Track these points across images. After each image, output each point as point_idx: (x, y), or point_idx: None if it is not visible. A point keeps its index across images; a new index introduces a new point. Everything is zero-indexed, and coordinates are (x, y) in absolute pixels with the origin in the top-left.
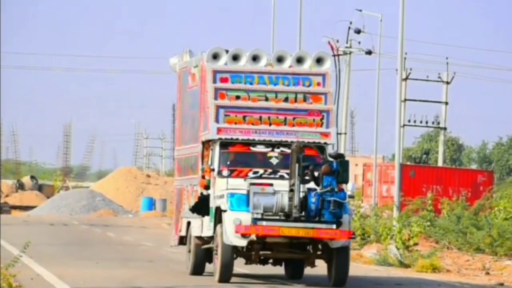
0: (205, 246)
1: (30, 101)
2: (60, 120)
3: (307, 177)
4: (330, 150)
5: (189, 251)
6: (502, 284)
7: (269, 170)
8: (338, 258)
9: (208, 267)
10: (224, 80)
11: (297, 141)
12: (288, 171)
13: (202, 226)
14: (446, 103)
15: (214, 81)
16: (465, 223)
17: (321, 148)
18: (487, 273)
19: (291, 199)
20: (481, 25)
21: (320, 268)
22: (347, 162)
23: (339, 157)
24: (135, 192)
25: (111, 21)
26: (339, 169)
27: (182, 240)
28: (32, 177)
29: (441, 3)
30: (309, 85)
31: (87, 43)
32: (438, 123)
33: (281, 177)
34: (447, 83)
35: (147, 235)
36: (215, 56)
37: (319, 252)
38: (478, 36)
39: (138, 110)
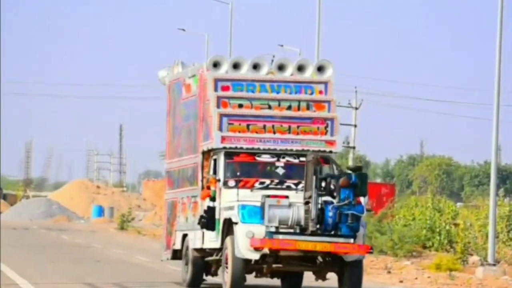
0: (209, 258)
1: None
2: (22, 138)
3: (323, 190)
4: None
5: (186, 264)
6: (401, 281)
7: (276, 181)
8: (352, 271)
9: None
10: (225, 88)
11: (314, 153)
12: (295, 181)
13: (203, 238)
14: (355, 126)
15: (216, 90)
16: (370, 229)
17: (326, 157)
18: (389, 272)
19: (307, 211)
20: (389, 57)
21: (319, 281)
22: (365, 175)
23: (358, 169)
24: (87, 201)
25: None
26: (358, 182)
27: (176, 254)
28: None
29: (353, 41)
30: (312, 93)
31: (39, 71)
32: (348, 143)
33: (288, 188)
34: (356, 108)
35: (97, 238)
36: (216, 64)
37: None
38: (385, 67)
39: (90, 129)
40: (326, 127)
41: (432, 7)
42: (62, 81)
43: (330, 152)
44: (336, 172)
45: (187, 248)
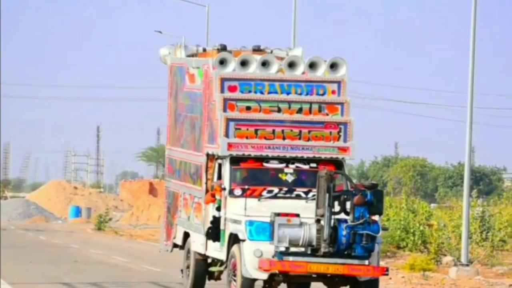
0: (212, 268)
1: None
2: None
3: (337, 208)
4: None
5: (188, 267)
6: None
7: (285, 189)
8: None
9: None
10: (232, 88)
11: (327, 170)
12: (305, 189)
13: (206, 245)
14: None
15: (222, 90)
16: None
17: (338, 163)
18: None
19: (319, 231)
20: (364, 59)
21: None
22: (381, 193)
23: (373, 187)
24: (64, 202)
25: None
26: (373, 200)
27: (176, 247)
28: None
29: (329, 42)
30: (324, 93)
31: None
32: None
33: (298, 196)
34: None
35: (74, 239)
36: (222, 62)
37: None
38: (359, 69)
39: (67, 131)
40: (339, 132)
41: (409, 7)
42: (39, 83)
43: (343, 159)
44: (349, 187)
45: (188, 251)
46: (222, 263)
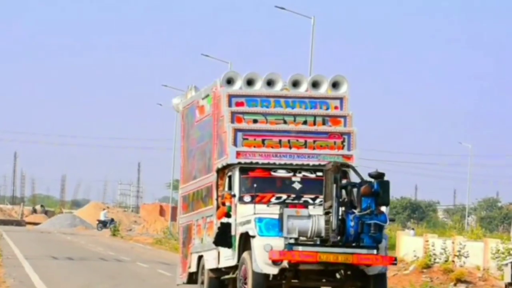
0: (225, 277)
1: None
2: (59, 172)
3: (344, 199)
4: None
5: (202, 283)
6: None
7: (292, 196)
8: (375, 285)
9: None
10: (239, 104)
11: (334, 161)
12: (312, 196)
13: (218, 257)
14: None
15: (230, 106)
16: None
17: (343, 172)
18: None
19: (328, 222)
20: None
21: None
22: (387, 183)
23: (380, 176)
24: (99, 217)
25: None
26: (380, 190)
27: (192, 277)
28: (42, 206)
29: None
30: (327, 109)
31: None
32: None
33: (305, 203)
34: None
35: (90, 240)
36: (229, 81)
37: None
38: None
39: (110, 164)
40: (343, 142)
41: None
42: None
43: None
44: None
45: (202, 268)
46: (234, 270)
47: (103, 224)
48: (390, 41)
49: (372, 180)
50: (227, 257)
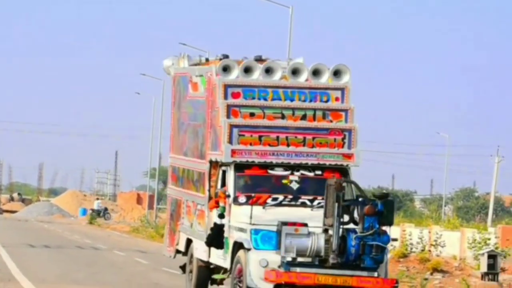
0: (216, 276)
1: None
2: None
3: (346, 218)
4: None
5: (190, 272)
6: None
7: (290, 196)
8: None
9: None
10: (236, 95)
11: (336, 178)
12: (310, 197)
13: (209, 252)
14: None
15: (225, 97)
16: None
17: (343, 171)
18: None
19: (328, 241)
20: None
21: None
22: (392, 203)
23: (384, 197)
24: (76, 205)
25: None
26: (384, 210)
27: (180, 252)
28: (19, 194)
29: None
30: (327, 100)
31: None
32: None
33: (303, 204)
34: None
35: (66, 227)
36: (226, 69)
37: None
38: None
39: (87, 153)
40: (343, 139)
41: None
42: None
43: (347, 166)
44: (354, 195)
45: (191, 256)
46: (225, 270)
47: (97, 213)
48: (368, 30)
49: (376, 199)
50: (218, 255)
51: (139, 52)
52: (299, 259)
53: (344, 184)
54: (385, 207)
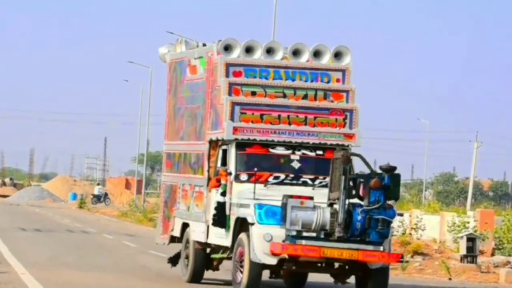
0: (215, 255)
1: None
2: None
3: (352, 191)
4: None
5: (186, 257)
6: None
7: (291, 175)
8: (377, 279)
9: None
10: (237, 74)
11: (344, 150)
12: (311, 176)
13: (207, 232)
14: None
15: (227, 76)
16: None
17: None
18: None
19: (333, 215)
20: None
21: (322, 276)
22: (399, 176)
23: (391, 170)
24: (67, 190)
25: None
26: (390, 184)
27: (174, 240)
28: (11, 179)
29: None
30: (328, 81)
31: None
32: None
33: (304, 183)
34: None
35: (56, 212)
36: (227, 48)
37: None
38: None
39: (78, 139)
40: (344, 119)
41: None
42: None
43: (349, 146)
44: (355, 170)
45: (187, 241)
46: (225, 250)
47: (98, 198)
48: (347, 17)
49: (382, 172)
50: (218, 234)
51: (127, 40)
52: (304, 233)
53: (351, 157)
54: (391, 180)
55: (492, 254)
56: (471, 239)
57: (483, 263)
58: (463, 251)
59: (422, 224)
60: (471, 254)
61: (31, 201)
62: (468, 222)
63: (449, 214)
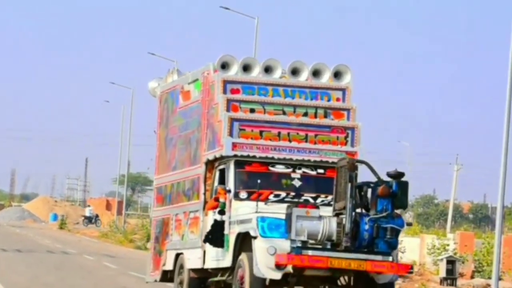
0: (213, 279)
1: None
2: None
3: (359, 200)
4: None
5: (180, 284)
6: None
7: (292, 193)
8: None
9: None
10: (235, 91)
11: (349, 157)
12: (312, 194)
13: (204, 257)
14: None
15: (225, 93)
16: None
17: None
18: None
19: (340, 224)
20: None
21: None
22: (407, 184)
23: (399, 176)
24: (48, 210)
25: None
26: (398, 192)
27: (166, 275)
28: None
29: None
30: (328, 100)
31: None
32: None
33: (306, 202)
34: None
35: (37, 232)
36: (224, 66)
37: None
38: None
39: (58, 160)
40: (346, 137)
41: None
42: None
43: (347, 154)
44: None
45: (180, 267)
46: (223, 272)
47: (89, 219)
48: (330, 41)
49: (390, 180)
50: (215, 257)
51: (108, 61)
52: (310, 244)
53: (357, 164)
54: (399, 188)
55: (472, 277)
56: (450, 262)
57: (463, 285)
58: (442, 273)
59: (402, 246)
60: (450, 277)
61: (12, 221)
62: (448, 245)
63: (429, 236)
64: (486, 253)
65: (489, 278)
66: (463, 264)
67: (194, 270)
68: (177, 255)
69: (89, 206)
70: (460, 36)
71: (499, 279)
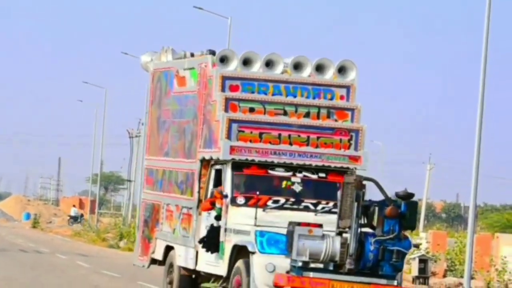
0: (206, 285)
1: None
2: None
3: (363, 219)
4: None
5: (170, 283)
6: None
7: (292, 199)
8: None
9: None
10: (234, 88)
11: (356, 174)
12: (313, 200)
13: (196, 258)
14: None
15: (223, 89)
16: None
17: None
18: None
19: (344, 245)
20: None
21: None
22: (416, 204)
23: (409, 197)
24: (21, 209)
25: None
26: (407, 212)
27: (155, 262)
28: None
29: None
30: (332, 98)
31: None
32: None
33: (306, 208)
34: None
35: (11, 231)
36: (223, 60)
37: None
38: None
39: (31, 159)
40: (349, 140)
41: None
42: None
43: (354, 169)
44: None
45: (171, 265)
46: (217, 279)
47: (74, 219)
48: (306, 43)
49: (398, 199)
50: (210, 262)
51: (82, 60)
52: (312, 264)
53: (365, 182)
54: (408, 208)
55: (444, 276)
56: (423, 261)
57: (435, 284)
58: (415, 272)
59: None
60: (423, 276)
61: None
62: (421, 244)
63: None
64: (459, 252)
65: (462, 277)
66: (436, 263)
67: (185, 268)
68: (168, 248)
69: (74, 206)
70: (435, 35)
71: (471, 278)
